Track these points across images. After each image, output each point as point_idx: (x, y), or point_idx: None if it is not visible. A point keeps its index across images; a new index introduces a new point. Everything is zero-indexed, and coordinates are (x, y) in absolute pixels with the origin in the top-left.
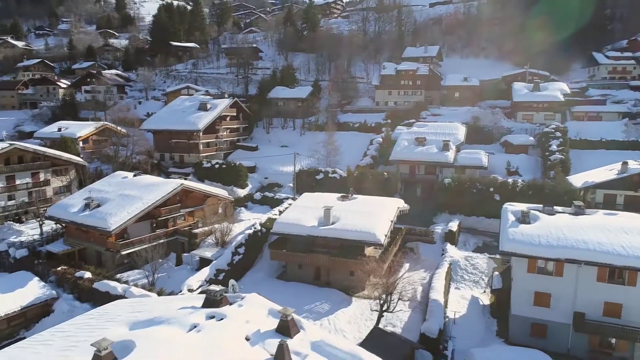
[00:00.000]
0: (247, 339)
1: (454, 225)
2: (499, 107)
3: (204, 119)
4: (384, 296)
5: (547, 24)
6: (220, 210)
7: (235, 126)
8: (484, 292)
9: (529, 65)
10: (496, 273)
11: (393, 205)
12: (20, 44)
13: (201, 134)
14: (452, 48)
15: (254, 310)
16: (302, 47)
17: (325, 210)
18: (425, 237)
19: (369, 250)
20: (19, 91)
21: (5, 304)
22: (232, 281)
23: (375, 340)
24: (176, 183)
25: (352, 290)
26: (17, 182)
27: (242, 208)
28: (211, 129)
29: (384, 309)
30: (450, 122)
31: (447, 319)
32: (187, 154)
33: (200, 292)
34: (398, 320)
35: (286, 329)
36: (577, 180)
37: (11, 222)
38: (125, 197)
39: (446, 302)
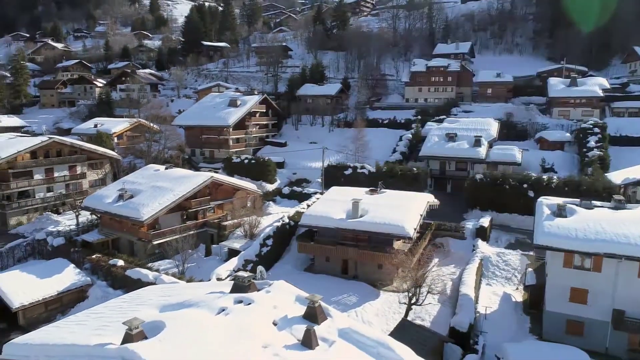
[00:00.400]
0: (275, 324)
1: (485, 221)
2: (534, 104)
3: (234, 115)
4: (412, 289)
5: (584, 18)
6: (249, 204)
7: (264, 122)
8: (517, 289)
9: (565, 60)
10: (530, 269)
11: (422, 200)
12: (59, 45)
13: (231, 129)
14: (485, 45)
15: (281, 296)
16: (331, 46)
17: (354, 203)
18: (456, 233)
19: (397, 244)
20: (58, 90)
21: (43, 289)
22: (259, 267)
23: (403, 332)
24: (206, 176)
25: (380, 284)
26: (56, 174)
27: (271, 202)
28: (241, 124)
29: (412, 301)
30: (482, 118)
31: (477, 314)
32: (217, 149)
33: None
34: (427, 314)
35: (313, 315)
36: (617, 177)
37: (49, 213)
38: (157, 189)
39: (477, 297)
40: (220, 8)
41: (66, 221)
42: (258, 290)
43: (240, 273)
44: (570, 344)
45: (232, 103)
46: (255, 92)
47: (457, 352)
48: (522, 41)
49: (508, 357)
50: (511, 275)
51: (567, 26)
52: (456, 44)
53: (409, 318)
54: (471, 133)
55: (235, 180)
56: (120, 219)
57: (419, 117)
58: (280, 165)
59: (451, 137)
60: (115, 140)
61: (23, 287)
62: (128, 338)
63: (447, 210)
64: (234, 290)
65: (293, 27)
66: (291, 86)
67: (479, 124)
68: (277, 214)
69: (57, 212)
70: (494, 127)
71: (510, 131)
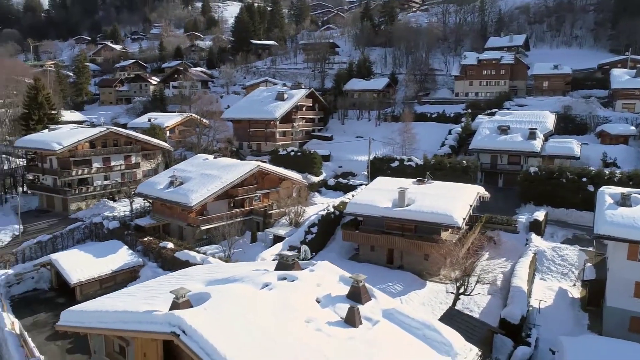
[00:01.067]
0: (318, 301)
1: (540, 215)
2: (594, 97)
3: (281, 108)
4: (461, 278)
5: None
6: (294, 194)
7: (310, 116)
8: (574, 285)
9: (630, 51)
10: (589, 264)
11: (472, 191)
12: (118, 47)
13: (278, 122)
14: (540, 38)
15: (325, 275)
16: (379, 42)
17: (400, 191)
18: (508, 226)
19: (445, 235)
20: (116, 88)
21: (98, 267)
22: (304, 247)
23: (450, 320)
24: (253, 164)
25: (427, 274)
26: (112, 163)
27: (316, 193)
28: (287, 118)
29: (460, 291)
30: (538, 111)
31: (530, 308)
32: (264, 142)
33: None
34: (475, 305)
35: (357, 295)
36: None
37: (106, 200)
38: (206, 176)
39: (529, 291)
40: (269, 8)
41: (121, 207)
42: (302, 269)
43: (285, 252)
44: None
45: (279, 97)
46: (302, 86)
47: (508, 344)
48: (581, 33)
49: (565, 352)
50: (567, 271)
51: (631, 15)
52: (510, 36)
53: (457, 307)
54: (525, 126)
55: (281, 170)
56: (170, 204)
57: (469, 110)
58: (326, 158)
59: (504, 130)
60: (168, 133)
61: (81, 265)
62: (175, 306)
63: (498, 205)
64: (278, 268)
65: (340, 24)
66: (338, 81)
67: (534, 117)
68: (322, 204)
69: (113, 200)
70: (550, 120)
71: (568, 125)
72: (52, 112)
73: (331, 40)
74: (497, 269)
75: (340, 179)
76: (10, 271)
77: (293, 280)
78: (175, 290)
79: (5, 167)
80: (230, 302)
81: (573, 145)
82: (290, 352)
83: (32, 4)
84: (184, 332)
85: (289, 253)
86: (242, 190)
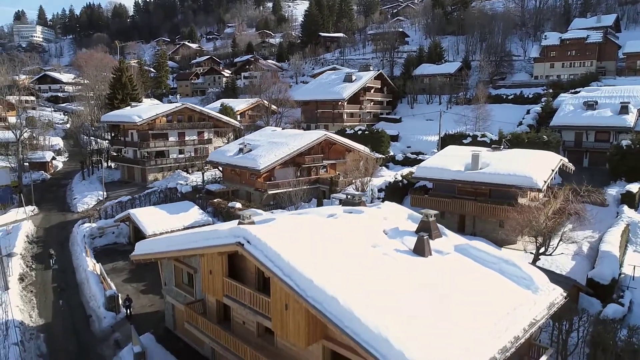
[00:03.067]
0: (385, 233)
1: (634, 187)
2: None
3: (349, 89)
4: (540, 239)
5: None
6: (361, 167)
7: (379, 99)
8: None
9: None
10: None
11: (554, 157)
12: (194, 46)
13: (345, 103)
14: (634, 19)
15: (393, 212)
16: (450, 30)
17: (474, 154)
18: (595, 198)
19: (522, 201)
20: (192, 81)
21: (171, 223)
22: (371, 185)
23: None
24: (320, 133)
25: (502, 242)
26: (186, 138)
27: (383, 167)
28: (355, 99)
29: (540, 251)
30: (630, 86)
31: (622, 275)
32: (331, 123)
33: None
34: (557, 268)
35: (427, 229)
36: None
37: (180, 171)
38: (274, 144)
39: (621, 261)
40: (338, 1)
41: (194, 178)
42: (368, 206)
43: (351, 191)
44: None
45: (347, 78)
46: (371, 68)
47: (595, 305)
48: None
49: None
50: None
51: None
52: (598, 17)
53: None
54: (615, 101)
55: (347, 141)
56: (239, 170)
57: (550, 90)
58: (394, 138)
59: (590, 105)
60: (238, 117)
61: (156, 220)
62: (240, 223)
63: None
64: (345, 204)
65: (410, 15)
66: (407, 65)
67: (625, 91)
68: (389, 177)
69: (187, 172)
70: None
71: None
72: (134, 92)
73: (401, 30)
74: (583, 239)
75: (409, 155)
76: (94, 225)
77: (360, 214)
78: (240, 213)
79: (94, 148)
80: (294, 223)
81: None
82: (354, 266)
83: (120, 10)
84: (248, 242)
85: (355, 192)
86: (309, 158)
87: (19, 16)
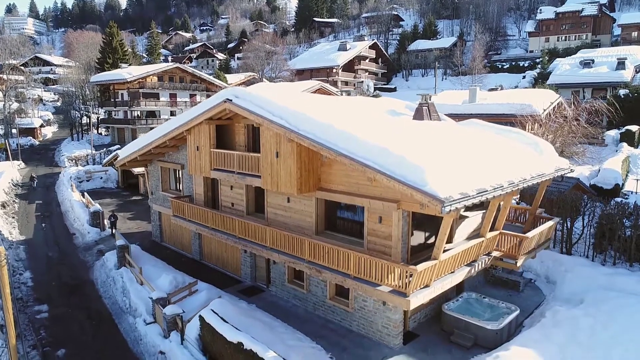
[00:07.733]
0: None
1: (633, 127)
2: None
3: (343, 57)
4: None
5: None
6: None
7: (373, 70)
8: None
9: None
10: None
11: (552, 94)
12: (187, 34)
13: (340, 70)
14: (627, 1)
15: (390, 102)
16: (445, 14)
17: (472, 89)
18: (593, 139)
19: None
20: (184, 64)
21: None
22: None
23: None
24: (315, 83)
25: None
26: (178, 99)
27: None
28: (350, 67)
29: None
30: (627, 46)
31: (626, 194)
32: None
33: None
34: None
35: (426, 109)
36: None
37: None
38: None
39: (623, 182)
40: None
41: None
42: None
43: None
44: None
45: (342, 47)
46: (365, 38)
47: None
48: None
49: None
50: None
51: None
52: None
53: None
54: (612, 59)
55: (344, 96)
56: None
57: (547, 57)
58: None
59: (587, 64)
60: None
61: None
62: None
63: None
64: None
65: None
66: (402, 41)
67: (622, 51)
68: None
69: None
70: None
71: None
72: (125, 56)
73: (395, 13)
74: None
75: None
76: (82, 168)
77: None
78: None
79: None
80: (293, 92)
81: None
82: (355, 116)
83: (112, 3)
84: (236, 97)
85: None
86: None
87: (10, 9)
